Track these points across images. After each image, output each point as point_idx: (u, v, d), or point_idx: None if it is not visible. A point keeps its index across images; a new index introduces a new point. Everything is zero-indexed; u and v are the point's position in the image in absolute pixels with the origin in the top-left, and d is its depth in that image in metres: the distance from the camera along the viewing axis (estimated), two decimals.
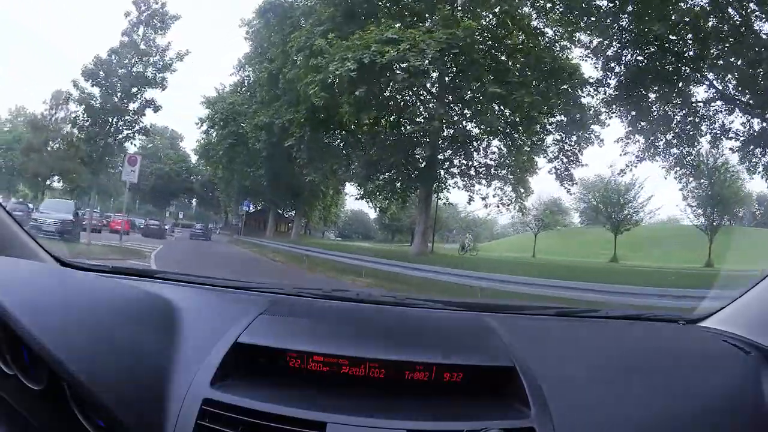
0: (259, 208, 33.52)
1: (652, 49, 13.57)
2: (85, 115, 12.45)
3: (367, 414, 0.79)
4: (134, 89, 12.43)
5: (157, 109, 12.86)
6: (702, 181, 19.03)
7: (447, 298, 2.15)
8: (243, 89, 25.76)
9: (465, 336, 1.10)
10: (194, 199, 42.13)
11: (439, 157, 16.36)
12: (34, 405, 0.74)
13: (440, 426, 0.80)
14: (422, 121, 16.21)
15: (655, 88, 14.21)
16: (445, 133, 16.12)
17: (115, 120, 12.49)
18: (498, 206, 17.31)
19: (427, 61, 12.64)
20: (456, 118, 16.22)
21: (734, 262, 19.25)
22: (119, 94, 12.39)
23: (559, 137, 16.15)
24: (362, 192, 18.90)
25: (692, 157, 15.62)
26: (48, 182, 21.82)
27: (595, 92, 14.84)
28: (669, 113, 14.61)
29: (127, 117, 12.53)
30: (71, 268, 1.25)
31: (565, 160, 16.21)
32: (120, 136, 12.87)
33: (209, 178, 34.39)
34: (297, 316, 1.10)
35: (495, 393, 0.88)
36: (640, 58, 14.03)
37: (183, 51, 13.12)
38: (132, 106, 12.56)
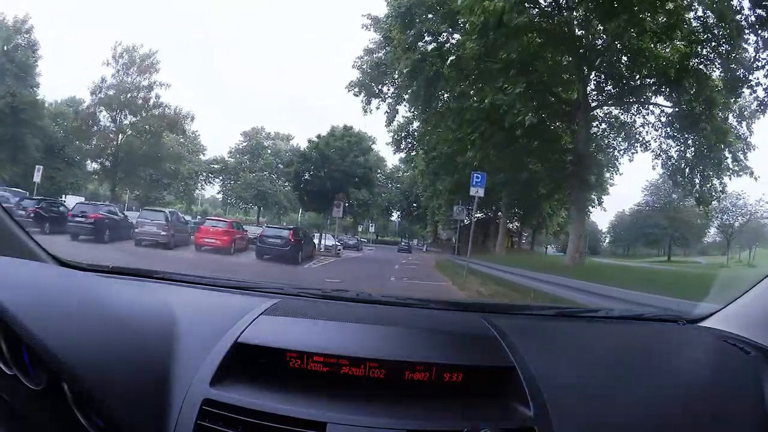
0: (480, 215, 21.37)
1: None
2: None
3: (367, 414, 0.79)
4: None
5: None
6: None
7: (447, 298, 2.15)
8: None
9: (465, 336, 1.10)
10: (397, 213, 33.05)
11: None
12: (34, 405, 0.73)
13: (440, 426, 0.80)
14: None
15: None
16: None
17: None
18: None
19: None
20: None
21: None
22: None
23: None
24: None
25: None
26: None
27: None
28: None
29: None
30: (71, 268, 1.25)
31: None
32: None
33: (410, 179, 25.16)
34: (297, 316, 1.10)
35: (495, 393, 0.88)
36: None
37: None
38: None
